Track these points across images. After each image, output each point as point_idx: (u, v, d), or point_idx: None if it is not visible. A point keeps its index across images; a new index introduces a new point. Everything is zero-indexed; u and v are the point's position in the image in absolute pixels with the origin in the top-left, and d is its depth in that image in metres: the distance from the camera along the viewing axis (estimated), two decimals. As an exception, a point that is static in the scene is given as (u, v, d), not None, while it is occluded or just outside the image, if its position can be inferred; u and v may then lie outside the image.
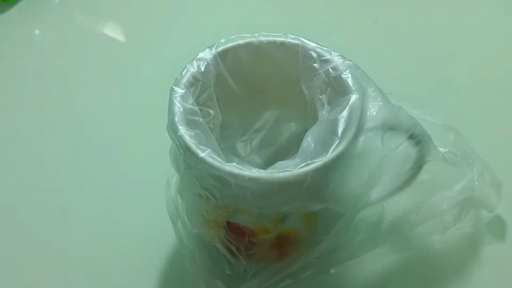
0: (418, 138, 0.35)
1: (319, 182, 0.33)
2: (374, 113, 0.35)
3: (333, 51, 0.37)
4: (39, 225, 0.46)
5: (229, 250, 0.38)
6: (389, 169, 0.36)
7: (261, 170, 0.33)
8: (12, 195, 0.48)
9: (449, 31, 0.57)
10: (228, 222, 0.36)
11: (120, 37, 0.59)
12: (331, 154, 0.33)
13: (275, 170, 0.33)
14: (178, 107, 0.35)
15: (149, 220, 0.46)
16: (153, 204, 0.44)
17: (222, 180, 0.33)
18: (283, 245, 0.39)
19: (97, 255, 0.45)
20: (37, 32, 0.59)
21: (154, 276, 0.43)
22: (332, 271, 0.41)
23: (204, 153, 0.33)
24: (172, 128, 0.34)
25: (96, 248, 0.45)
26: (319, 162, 0.32)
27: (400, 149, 0.35)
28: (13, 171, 0.49)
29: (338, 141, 0.33)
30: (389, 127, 0.35)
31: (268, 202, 0.34)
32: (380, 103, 0.35)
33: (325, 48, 0.37)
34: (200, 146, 0.33)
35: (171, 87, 0.36)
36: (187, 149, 0.33)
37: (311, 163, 0.32)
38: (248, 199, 0.33)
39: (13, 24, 0.58)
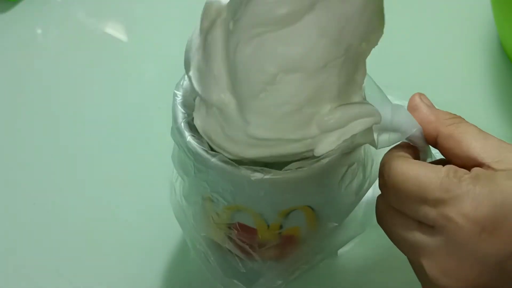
0: (415, 142, 0.35)
1: (331, 175, 0.34)
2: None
3: None
4: (44, 225, 0.47)
5: (242, 249, 0.38)
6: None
7: (276, 171, 0.33)
8: (16, 195, 0.48)
9: (450, 30, 0.58)
10: (238, 223, 0.37)
11: (122, 36, 0.59)
12: (342, 149, 0.33)
13: (290, 170, 0.33)
14: (182, 112, 0.35)
15: (152, 222, 0.46)
16: (156, 207, 0.45)
17: (235, 183, 0.33)
18: (287, 244, 0.39)
19: (103, 260, 0.45)
20: (39, 31, 0.59)
21: (158, 277, 0.44)
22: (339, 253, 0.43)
23: (216, 158, 0.33)
24: (179, 133, 0.34)
25: (101, 251, 0.46)
26: (331, 156, 0.33)
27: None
28: (16, 171, 0.50)
29: None
30: (390, 127, 0.35)
31: (281, 200, 0.35)
32: (380, 102, 0.35)
33: None
34: (210, 151, 0.33)
35: (174, 92, 0.35)
36: (197, 154, 0.33)
37: (323, 157, 0.33)
38: (260, 199, 0.34)
39: (15, 23, 0.58)
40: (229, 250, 0.38)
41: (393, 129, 0.35)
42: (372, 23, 0.31)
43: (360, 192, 0.37)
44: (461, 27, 0.58)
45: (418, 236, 0.32)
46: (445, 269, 0.31)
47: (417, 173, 0.32)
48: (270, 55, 0.30)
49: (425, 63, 0.55)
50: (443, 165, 0.33)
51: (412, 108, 0.36)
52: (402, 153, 0.34)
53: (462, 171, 0.32)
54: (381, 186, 0.34)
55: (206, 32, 0.31)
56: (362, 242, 0.43)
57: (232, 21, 0.30)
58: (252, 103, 0.31)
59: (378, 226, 0.35)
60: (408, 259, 0.34)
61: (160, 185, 0.43)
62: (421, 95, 0.36)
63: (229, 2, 0.30)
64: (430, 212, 0.31)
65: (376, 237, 0.40)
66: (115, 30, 0.59)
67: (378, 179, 0.35)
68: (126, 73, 0.55)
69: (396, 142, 0.35)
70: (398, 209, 0.33)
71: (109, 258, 0.45)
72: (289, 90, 0.31)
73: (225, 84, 0.31)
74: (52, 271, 0.45)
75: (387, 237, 0.35)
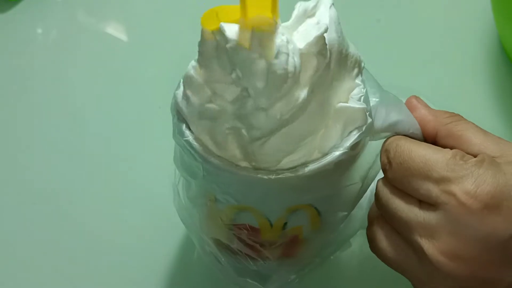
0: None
1: (340, 170, 0.34)
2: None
3: None
4: (44, 225, 0.47)
5: (251, 248, 0.38)
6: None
7: (288, 170, 0.33)
8: (16, 195, 0.48)
9: (450, 30, 0.58)
10: (243, 223, 0.37)
11: (123, 36, 0.59)
12: (350, 143, 0.33)
13: (303, 168, 0.33)
14: (184, 115, 0.34)
15: (154, 223, 0.46)
16: (158, 207, 0.45)
17: (246, 184, 0.33)
18: (292, 244, 0.39)
19: (104, 261, 0.45)
20: (39, 31, 0.59)
21: (161, 279, 0.44)
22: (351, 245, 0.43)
23: (224, 162, 0.33)
24: (184, 138, 0.34)
25: (102, 252, 0.46)
26: (340, 152, 0.33)
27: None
28: (16, 171, 0.50)
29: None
30: (387, 127, 0.35)
31: (290, 198, 0.35)
32: (378, 97, 0.35)
33: None
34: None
35: (174, 93, 0.35)
36: (206, 160, 0.33)
37: (332, 152, 0.33)
38: (270, 198, 0.34)
39: (15, 23, 0.58)
40: (239, 250, 0.38)
41: (390, 128, 0.35)
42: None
43: (365, 181, 0.37)
44: (461, 27, 0.58)
45: (419, 214, 0.32)
46: (446, 248, 0.31)
47: (425, 152, 0.32)
48: (287, 140, 0.32)
49: (425, 63, 0.56)
50: None
51: (409, 109, 0.36)
52: (407, 137, 0.35)
53: (469, 156, 0.32)
54: (384, 164, 0.34)
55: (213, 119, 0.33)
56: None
57: (244, 129, 0.32)
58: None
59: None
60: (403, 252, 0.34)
61: (161, 185, 0.43)
62: (416, 97, 0.36)
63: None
64: (433, 189, 0.31)
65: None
66: (115, 30, 0.59)
67: (381, 159, 0.35)
68: (126, 73, 0.55)
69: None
70: (399, 187, 0.33)
71: (110, 259, 0.45)
72: (305, 149, 0.33)
73: (241, 159, 0.33)
74: (52, 271, 0.45)
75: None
